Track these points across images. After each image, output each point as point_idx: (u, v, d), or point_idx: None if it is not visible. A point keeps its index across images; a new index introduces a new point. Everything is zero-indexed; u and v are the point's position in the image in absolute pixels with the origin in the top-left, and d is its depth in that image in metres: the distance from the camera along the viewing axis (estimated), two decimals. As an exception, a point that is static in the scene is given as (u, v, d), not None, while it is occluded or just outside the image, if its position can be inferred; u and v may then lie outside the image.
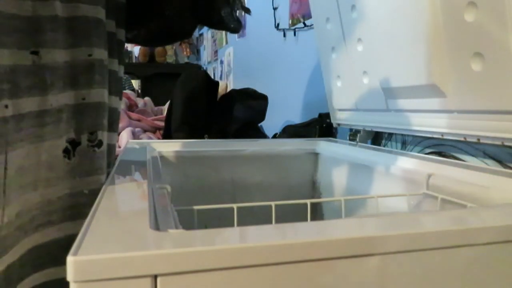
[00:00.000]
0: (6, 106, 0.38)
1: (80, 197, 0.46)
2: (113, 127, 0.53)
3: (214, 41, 2.91)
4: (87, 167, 0.46)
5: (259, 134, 1.33)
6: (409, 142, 0.83)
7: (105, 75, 0.48)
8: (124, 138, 1.33)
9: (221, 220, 0.42)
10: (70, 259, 0.22)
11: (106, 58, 0.49)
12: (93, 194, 0.46)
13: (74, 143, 0.45)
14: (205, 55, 3.25)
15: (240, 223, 0.36)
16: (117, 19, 0.53)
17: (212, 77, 2.50)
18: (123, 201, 0.37)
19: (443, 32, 0.58)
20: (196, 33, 3.53)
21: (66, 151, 0.45)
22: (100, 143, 0.48)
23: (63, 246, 0.45)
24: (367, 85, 0.80)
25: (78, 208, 0.46)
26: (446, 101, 0.61)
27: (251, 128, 1.28)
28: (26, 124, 0.40)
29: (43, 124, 0.42)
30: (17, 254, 0.41)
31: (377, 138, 0.92)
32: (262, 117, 1.30)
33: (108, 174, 0.50)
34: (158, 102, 1.83)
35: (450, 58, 0.58)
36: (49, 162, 0.43)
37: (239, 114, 1.25)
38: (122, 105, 1.47)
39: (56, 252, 0.45)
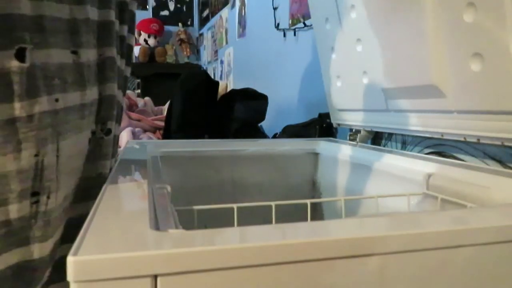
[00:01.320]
0: (57, 100, 0.43)
1: (89, 180, 0.51)
2: (118, 120, 0.58)
3: (214, 41, 2.91)
4: (97, 153, 0.51)
5: (259, 134, 1.33)
6: (409, 142, 0.83)
7: (115, 71, 0.53)
8: (124, 138, 1.32)
9: (221, 220, 0.42)
10: (70, 259, 0.22)
11: (116, 55, 0.53)
12: (100, 177, 0.52)
13: (92, 133, 0.50)
14: (205, 55, 3.25)
15: (240, 223, 0.36)
16: (129, 26, 0.58)
17: (212, 77, 2.49)
18: (123, 201, 0.37)
19: (442, 33, 0.58)
20: (196, 33, 3.53)
21: (89, 141, 0.50)
22: (109, 131, 0.52)
23: (75, 225, 0.49)
24: (367, 85, 0.80)
25: (88, 190, 0.50)
26: (445, 101, 0.61)
27: (251, 128, 1.28)
28: (72, 116, 0.45)
29: (83, 117, 0.47)
30: (60, 233, 0.46)
31: (377, 138, 0.92)
32: (262, 117, 1.30)
33: (109, 171, 0.54)
34: (158, 102, 1.83)
35: (449, 59, 0.58)
36: (83, 151, 0.49)
37: (239, 114, 1.25)
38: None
39: (70, 230, 0.49)
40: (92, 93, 0.48)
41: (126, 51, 0.58)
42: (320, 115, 1.11)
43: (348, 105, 0.89)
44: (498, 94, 0.52)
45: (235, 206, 0.45)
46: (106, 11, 0.51)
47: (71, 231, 0.48)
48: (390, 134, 0.89)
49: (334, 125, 0.98)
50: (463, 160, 0.68)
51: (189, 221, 0.40)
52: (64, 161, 0.44)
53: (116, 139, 0.58)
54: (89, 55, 0.48)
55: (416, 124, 0.70)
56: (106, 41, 0.51)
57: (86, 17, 0.47)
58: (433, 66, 0.61)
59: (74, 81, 0.45)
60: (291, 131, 1.18)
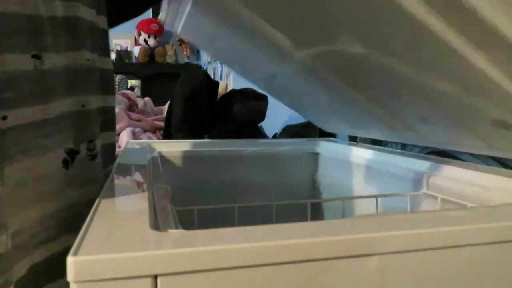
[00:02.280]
0: (4, 118, 0.36)
1: (77, 208, 0.43)
2: (112, 126, 0.53)
3: (214, 41, 2.91)
4: (86, 176, 0.44)
5: (259, 134, 1.33)
6: (409, 142, 0.83)
7: (96, 76, 0.47)
8: (124, 138, 1.32)
9: (221, 220, 0.42)
10: (70, 259, 0.22)
11: (98, 57, 0.47)
12: (91, 205, 0.44)
13: (73, 153, 0.43)
14: (205, 55, 3.25)
15: (240, 223, 0.36)
16: (98, 7, 0.49)
17: (212, 77, 2.49)
18: (123, 201, 0.37)
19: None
20: (196, 33, 3.53)
21: (65, 162, 0.42)
22: (96, 155, 0.46)
23: (60, 261, 0.40)
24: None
25: (75, 219, 0.42)
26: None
27: (251, 128, 1.28)
28: (27, 136, 0.38)
29: (45, 135, 0.39)
30: (16, 277, 0.38)
31: (377, 139, 0.92)
32: (262, 117, 1.30)
33: (108, 173, 0.50)
34: (158, 102, 1.82)
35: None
36: (50, 175, 0.41)
37: (239, 114, 1.25)
38: (122, 105, 1.47)
39: (53, 268, 0.42)
40: (60, 106, 0.41)
41: (102, 41, 0.50)
42: (320, 115, 1.10)
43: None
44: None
45: (235, 206, 0.46)
46: (88, 8, 0.44)
47: (56, 269, 0.41)
48: (390, 134, 0.89)
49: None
50: (463, 160, 0.68)
51: (189, 221, 0.40)
52: (12, 189, 0.36)
53: (111, 148, 0.52)
54: (55, 60, 0.40)
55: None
56: (90, 43, 0.44)
57: (53, 14, 0.39)
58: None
59: (33, 92, 0.37)
60: (291, 131, 1.18)
